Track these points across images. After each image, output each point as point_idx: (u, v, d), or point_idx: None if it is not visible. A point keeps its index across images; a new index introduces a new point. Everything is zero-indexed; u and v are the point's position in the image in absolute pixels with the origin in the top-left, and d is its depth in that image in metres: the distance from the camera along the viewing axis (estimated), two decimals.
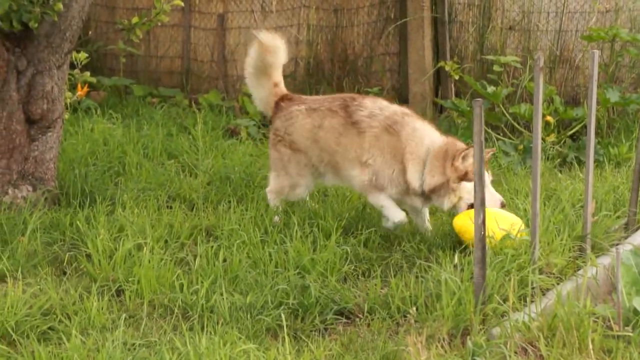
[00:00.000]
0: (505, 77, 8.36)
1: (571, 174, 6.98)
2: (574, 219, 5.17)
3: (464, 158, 4.97)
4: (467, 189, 4.94)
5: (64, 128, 6.61)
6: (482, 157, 3.94)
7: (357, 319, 4.16)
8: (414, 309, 3.98)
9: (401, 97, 8.86)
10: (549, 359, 3.51)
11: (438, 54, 8.78)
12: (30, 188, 5.89)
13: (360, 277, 4.71)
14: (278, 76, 5.62)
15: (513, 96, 8.20)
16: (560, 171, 6.96)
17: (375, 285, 4.43)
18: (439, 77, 8.85)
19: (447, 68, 8.48)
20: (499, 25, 8.62)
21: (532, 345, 3.70)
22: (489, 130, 7.82)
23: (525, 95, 8.18)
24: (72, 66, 6.89)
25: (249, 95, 9.22)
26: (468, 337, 3.79)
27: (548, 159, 7.32)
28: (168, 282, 4.48)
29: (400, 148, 5.18)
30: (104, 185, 6.37)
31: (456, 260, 4.49)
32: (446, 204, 5.11)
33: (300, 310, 4.17)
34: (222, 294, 4.23)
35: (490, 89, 7.80)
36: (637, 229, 5.35)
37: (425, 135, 5.24)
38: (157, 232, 5.23)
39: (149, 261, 4.58)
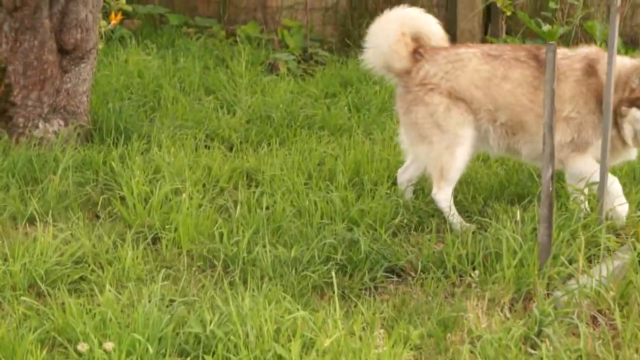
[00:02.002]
0: (560, 15, 8.07)
1: None
2: None
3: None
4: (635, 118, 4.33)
5: (97, 59, 6.40)
6: (553, 105, 3.62)
7: (410, 278, 3.93)
8: (475, 272, 3.74)
9: (448, 34, 8.55)
10: (625, 331, 3.24)
11: None
12: (62, 122, 5.74)
13: (412, 231, 4.46)
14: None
15: (568, 35, 7.88)
16: None
17: (429, 240, 4.18)
18: (489, 13, 8.58)
19: (498, 4, 7.85)
20: None
21: (602, 314, 3.46)
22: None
23: (581, 35, 7.88)
24: None
25: (289, 28, 9.17)
26: (532, 303, 3.58)
27: None
28: (207, 231, 4.28)
29: (600, 85, 4.38)
30: (139, 122, 6.18)
31: (518, 216, 4.17)
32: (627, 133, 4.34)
33: (348, 266, 3.94)
34: (265, 246, 4.01)
35: (546, 27, 7.57)
36: None
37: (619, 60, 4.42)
38: (195, 174, 5.01)
39: (187, 207, 4.35)
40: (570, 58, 4.49)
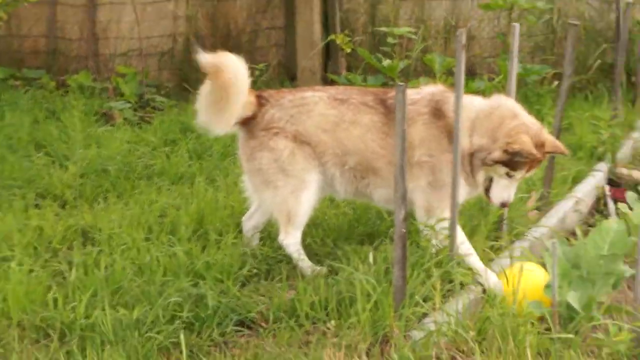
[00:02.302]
0: (399, 49, 8.15)
1: None
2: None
3: (520, 144, 4.19)
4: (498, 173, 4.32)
5: None
6: (405, 146, 3.56)
7: (261, 330, 3.75)
8: (331, 322, 3.57)
9: (289, 72, 8.73)
10: None
11: (327, 27, 8.52)
12: None
13: (262, 280, 4.27)
14: None
15: (407, 69, 8.00)
16: None
17: (280, 289, 4.03)
18: (329, 51, 8.67)
19: (338, 41, 8.15)
20: None
21: (462, 353, 3.38)
22: None
23: (421, 68, 8.05)
24: None
25: (124, 75, 8.79)
26: (390, 347, 3.44)
27: None
28: (40, 299, 3.90)
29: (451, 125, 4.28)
30: None
31: (371, 258, 4.03)
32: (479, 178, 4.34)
33: (196, 323, 3.72)
34: (104, 309, 3.69)
35: (386, 62, 7.59)
36: (549, 209, 5.21)
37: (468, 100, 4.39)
38: (25, 237, 4.63)
39: (17, 275, 3.97)
40: (417, 103, 4.38)
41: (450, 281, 3.94)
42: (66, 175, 6.09)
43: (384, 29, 8.10)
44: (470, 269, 4.13)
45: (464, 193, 4.34)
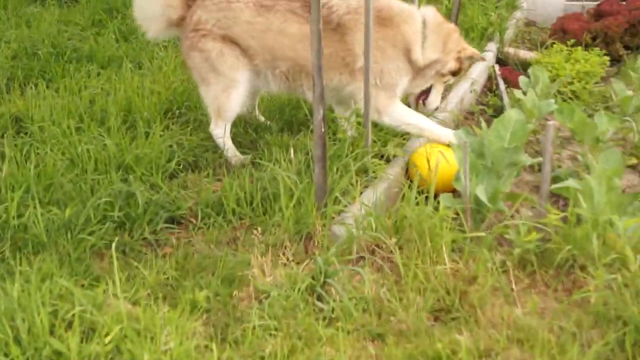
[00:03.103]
0: None
1: None
2: None
3: (470, 59, 4.04)
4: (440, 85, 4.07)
5: None
6: (321, 47, 3.05)
7: (191, 226, 3.27)
8: (258, 230, 3.08)
9: None
10: (407, 275, 2.83)
11: None
12: None
13: (189, 172, 3.76)
14: None
15: None
16: None
17: (208, 183, 3.52)
18: None
19: None
20: None
21: (380, 248, 3.03)
22: None
23: None
24: None
25: None
26: (313, 243, 3.07)
27: None
28: None
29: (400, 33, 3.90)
30: None
31: (292, 155, 3.59)
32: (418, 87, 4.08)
33: (127, 222, 3.19)
34: (35, 208, 3.11)
35: None
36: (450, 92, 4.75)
37: (412, 10, 4.01)
38: None
39: None
40: (353, 12, 3.80)
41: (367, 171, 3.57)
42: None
43: None
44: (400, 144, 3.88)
45: (402, 90, 3.99)
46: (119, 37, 6.03)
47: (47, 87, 4.81)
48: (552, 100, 4.55)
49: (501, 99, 5.03)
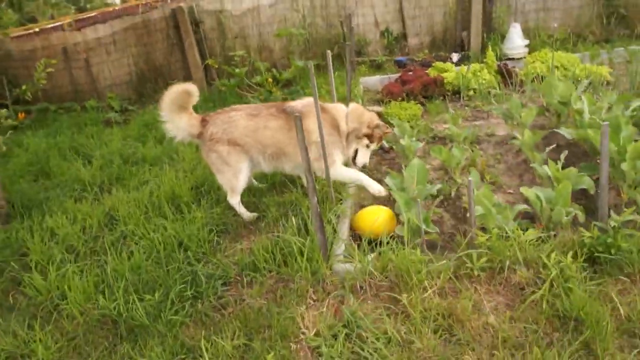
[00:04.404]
0: (241, 62, 9.14)
1: None
2: None
3: (377, 127, 4.41)
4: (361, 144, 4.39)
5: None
6: (307, 156, 3.65)
7: (239, 284, 3.50)
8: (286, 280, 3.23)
9: (189, 81, 9.45)
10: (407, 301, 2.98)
11: (203, 57, 9.90)
12: None
13: (223, 237, 4.06)
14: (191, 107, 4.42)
15: (247, 72, 8.80)
16: None
17: (241, 250, 3.77)
18: (206, 68, 9.85)
19: (210, 63, 9.36)
20: (230, 36, 9.83)
21: (371, 278, 3.17)
22: (245, 92, 8.33)
23: (252, 71, 9.15)
24: None
25: (111, 97, 9.07)
26: (325, 284, 3.26)
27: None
28: (92, 291, 3.42)
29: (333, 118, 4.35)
30: None
31: (293, 220, 3.87)
32: (349, 150, 4.41)
33: (197, 296, 3.39)
34: (133, 297, 3.27)
35: (237, 70, 8.44)
36: None
37: (338, 105, 4.55)
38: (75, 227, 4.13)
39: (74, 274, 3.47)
40: (304, 107, 4.34)
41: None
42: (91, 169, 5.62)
43: (232, 53, 9.21)
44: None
45: (343, 159, 4.39)
46: (156, 142, 6.46)
47: (123, 185, 5.09)
48: (419, 143, 5.15)
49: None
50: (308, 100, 4.36)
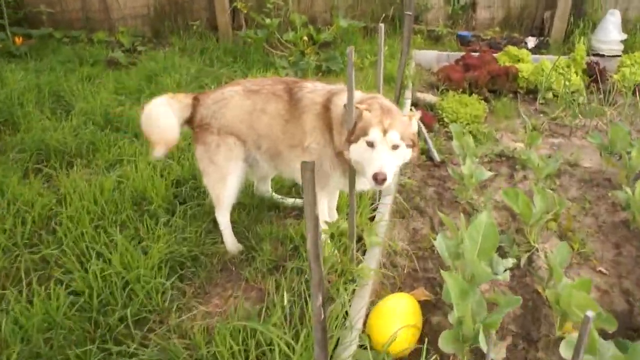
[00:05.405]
0: (275, 11, 7.89)
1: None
2: None
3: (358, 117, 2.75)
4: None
5: None
6: (318, 231, 2.51)
7: None
8: None
9: (212, 26, 8.47)
10: None
11: None
12: None
13: (185, 282, 2.80)
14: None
15: (280, 24, 7.51)
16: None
17: (199, 322, 2.57)
18: (234, 12, 8.28)
19: (238, 6, 7.89)
20: None
21: None
22: (273, 50, 6.97)
23: (287, 24, 7.62)
24: None
25: (122, 32, 8.06)
26: None
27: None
28: None
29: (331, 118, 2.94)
30: None
31: (285, 300, 2.62)
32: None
33: None
34: None
35: (268, 20, 7.15)
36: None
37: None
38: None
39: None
40: (315, 92, 2.97)
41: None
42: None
43: None
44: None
45: (343, 182, 3.02)
46: None
47: (89, 162, 4.06)
48: (486, 172, 3.78)
49: (426, 142, 4.51)
50: (330, 87, 3.02)
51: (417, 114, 2.78)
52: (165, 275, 2.82)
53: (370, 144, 2.60)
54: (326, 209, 2.96)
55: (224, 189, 3.12)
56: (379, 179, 2.50)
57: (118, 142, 4.34)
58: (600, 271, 3.16)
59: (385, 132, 2.59)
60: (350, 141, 2.63)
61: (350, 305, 2.50)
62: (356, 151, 2.63)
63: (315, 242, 1.86)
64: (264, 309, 2.51)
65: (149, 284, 2.72)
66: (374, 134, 2.59)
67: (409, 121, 2.70)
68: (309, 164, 1.67)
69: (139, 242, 3.04)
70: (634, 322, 2.72)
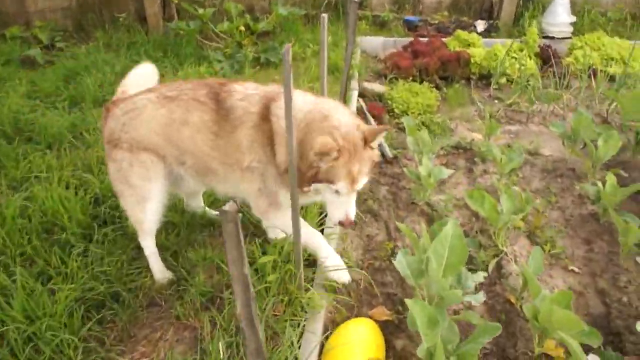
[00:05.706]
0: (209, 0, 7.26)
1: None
2: None
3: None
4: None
5: None
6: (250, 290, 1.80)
7: None
8: None
9: (140, 18, 7.61)
10: None
11: None
12: None
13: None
14: None
15: (215, 13, 6.99)
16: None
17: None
18: (165, 2, 7.49)
19: None
20: None
21: None
22: (208, 42, 6.46)
23: (222, 14, 7.05)
24: None
25: (40, 27, 7.05)
26: None
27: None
28: None
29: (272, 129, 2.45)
30: None
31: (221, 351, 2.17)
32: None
33: None
34: None
35: (201, 10, 6.64)
36: None
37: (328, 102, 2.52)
38: None
39: None
40: (247, 99, 2.45)
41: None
42: None
43: None
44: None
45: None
46: (70, 105, 4.79)
47: None
48: (446, 170, 3.43)
49: None
50: (261, 90, 2.54)
51: (383, 134, 2.42)
52: (79, 320, 2.36)
53: (337, 192, 2.30)
54: (290, 221, 2.43)
55: (143, 213, 2.63)
56: (345, 224, 2.31)
57: (29, 156, 3.77)
58: (572, 270, 2.93)
59: (354, 181, 2.27)
60: (309, 181, 2.28)
61: (299, 346, 2.13)
62: (319, 189, 2.33)
63: (248, 304, 1.44)
64: (198, 356, 2.10)
65: (58, 337, 2.25)
66: (342, 186, 2.28)
67: (374, 152, 2.37)
68: (229, 214, 1.23)
69: (49, 280, 2.57)
70: (612, 326, 2.51)
